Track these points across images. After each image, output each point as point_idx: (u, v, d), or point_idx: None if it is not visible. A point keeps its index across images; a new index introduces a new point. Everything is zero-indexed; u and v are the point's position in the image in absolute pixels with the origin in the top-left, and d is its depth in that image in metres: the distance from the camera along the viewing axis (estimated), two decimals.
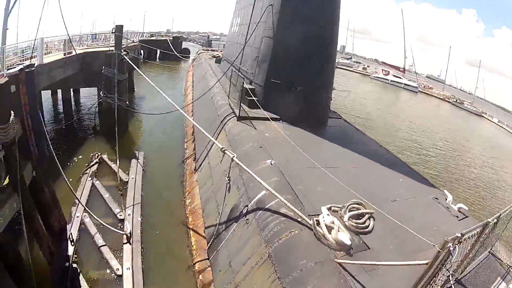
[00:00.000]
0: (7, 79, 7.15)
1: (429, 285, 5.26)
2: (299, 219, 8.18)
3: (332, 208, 8.64)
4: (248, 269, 8.42)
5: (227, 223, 10.34)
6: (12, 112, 7.05)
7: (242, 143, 12.27)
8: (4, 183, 7.35)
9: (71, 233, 11.02)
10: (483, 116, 62.64)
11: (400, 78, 75.70)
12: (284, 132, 12.86)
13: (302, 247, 7.59)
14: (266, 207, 9.01)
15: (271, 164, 10.65)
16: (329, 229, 7.64)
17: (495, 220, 6.07)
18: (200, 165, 15.23)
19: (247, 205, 9.70)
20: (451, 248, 4.79)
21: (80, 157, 16.45)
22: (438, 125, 48.00)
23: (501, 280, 7.35)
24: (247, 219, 9.44)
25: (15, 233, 9.62)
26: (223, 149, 10.73)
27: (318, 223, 7.85)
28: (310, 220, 7.99)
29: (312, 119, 15.31)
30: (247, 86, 15.34)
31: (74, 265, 10.03)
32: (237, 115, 14.38)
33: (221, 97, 18.18)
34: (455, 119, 58.75)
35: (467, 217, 9.78)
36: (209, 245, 10.70)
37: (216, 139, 12.47)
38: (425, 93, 75.62)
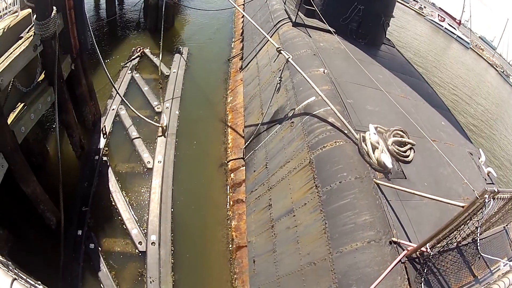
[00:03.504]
0: None
1: (457, 230, 5.19)
2: (346, 131, 7.99)
3: (378, 128, 8.40)
4: (285, 172, 8.45)
5: (269, 124, 10.24)
6: (54, 8, 6.80)
7: (296, 48, 11.75)
8: (39, 79, 7.31)
9: (104, 126, 11.01)
10: None
11: (454, 28, 71.85)
12: (339, 45, 12.35)
13: (344, 159, 7.46)
14: (314, 113, 8.77)
15: (324, 72, 10.24)
16: (373, 148, 7.50)
17: None
18: (247, 64, 14.89)
19: (294, 109, 9.49)
20: (486, 200, 4.64)
21: (122, 51, 16.05)
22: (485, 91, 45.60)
23: (508, 260, 7.20)
24: (292, 122, 9.28)
25: (45, 128, 9.74)
26: (279, 49, 10.27)
27: (364, 140, 7.69)
28: (357, 134, 7.81)
29: (367, 39, 14.75)
30: None
31: (104, 158, 10.13)
32: (293, 21, 13.72)
33: (276, 2, 17.32)
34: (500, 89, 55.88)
35: (493, 183, 9.48)
36: (246, 144, 10.74)
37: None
38: (475, 52, 72.15)
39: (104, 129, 10.89)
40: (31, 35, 6.65)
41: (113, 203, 9.16)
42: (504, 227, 7.92)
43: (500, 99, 47.07)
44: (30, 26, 6.83)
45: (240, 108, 12.76)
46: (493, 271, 6.73)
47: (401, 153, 8.07)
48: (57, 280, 7.23)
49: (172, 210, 9.29)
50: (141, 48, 15.82)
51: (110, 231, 8.65)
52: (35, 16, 6.61)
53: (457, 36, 70.32)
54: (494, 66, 67.95)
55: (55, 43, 7.07)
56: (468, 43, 70.44)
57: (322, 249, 6.56)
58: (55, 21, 6.81)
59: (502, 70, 65.84)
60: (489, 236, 7.15)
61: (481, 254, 6.54)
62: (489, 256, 6.77)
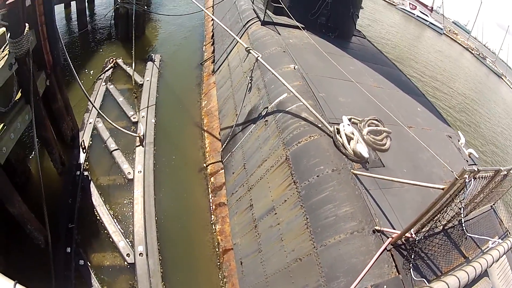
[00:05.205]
0: None
1: (440, 213, 5.23)
2: (320, 125, 8.01)
3: (352, 119, 8.49)
4: (263, 171, 8.46)
5: (244, 124, 10.24)
6: (26, 25, 6.72)
7: (265, 47, 11.77)
8: (17, 98, 7.21)
9: (83, 140, 10.90)
10: (502, 79, 60.47)
11: (426, 16, 72.52)
12: (309, 41, 12.37)
13: (320, 153, 7.48)
14: (287, 109, 8.80)
15: (294, 68, 10.26)
16: (348, 139, 7.55)
17: (505, 172, 5.90)
18: (219, 67, 14.86)
19: (267, 107, 9.50)
20: (467, 180, 4.65)
21: (95, 63, 15.85)
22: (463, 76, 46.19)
23: (498, 239, 7.30)
24: (266, 120, 9.29)
25: (26, 147, 9.64)
26: (248, 48, 10.30)
27: (338, 132, 7.73)
28: (331, 127, 7.84)
29: (337, 33, 14.80)
30: None
31: (85, 173, 10.01)
32: (262, 19, 13.71)
33: (244, 1, 17.24)
34: (477, 72, 56.55)
35: (475, 164, 9.65)
36: (223, 146, 10.71)
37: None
38: (449, 37, 72.91)
39: (83, 143, 10.76)
40: (6, 54, 6.56)
41: (98, 218, 9.06)
42: (491, 206, 8.04)
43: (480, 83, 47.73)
44: (4, 45, 6.73)
45: (215, 111, 12.75)
46: (484, 251, 6.76)
47: (377, 142, 8.12)
48: None
49: (156, 219, 9.22)
50: (114, 58, 15.68)
51: (98, 245, 8.58)
52: (9, 34, 6.51)
53: (430, 23, 70.96)
54: (470, 50, 68.77)
55: (29, 60, 6.95)
56: (442, 29, 71.14)
57: (306, 244, 6.57)
58: (28, 38, 6.70)
59: (477, 53, 66.62)
60: (476, 216, 7.27)
61: (468, 234, 6.58)
62: (477, 236, 6.86)
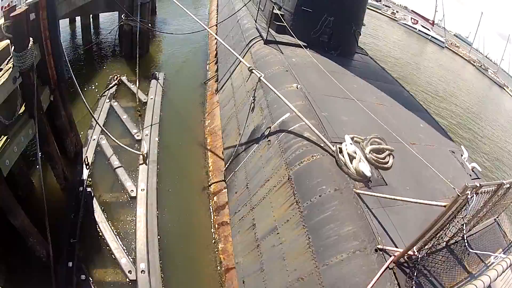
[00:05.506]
0: (27, 7, 6.85)
1: (443, 230, 5.23)
2: (322, 145, 8.06)
3: (355, 138, 8.50)
4: (265, 191, 8.48)
5: (247, 144, 10.30)
6: (31, 39, 6.84)
7: (268, 66, 11.91)
8: (20, 111, 7.28)
9: (86, 157, 10.97)
10: (504, 89, 60.50)
11: (428, 30, 72.83)
12: (311, 59, 12.41)
13: (322, 172, 7.51)
14: (289, 129, 8.86)
15: (297, 88, 10.35)
16: (351, 158, 7.56)
17: (508, 185, 5.88)
18: (223, 86, 14.99)
19: (270, 127, 9.56)
20: (469, 196, 4.67)
21: (99, 80, 16.01)
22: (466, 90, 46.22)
23: (502, 252, 7.28)
24: (269, 140, 9.35)
25: (29, 160, 9.65)
26: (251, 68, 10.40)
27: (341, 151, 7.75)
28: (333, 146, 7.87)
29: (339, 50, 14.90)
30: (276, 11, 14.66)
31: (88, 189, 10.09)
32: (264, 38, 13.88)
33: (247, 20, 17.52)
34: (479, 84, 56.59)
35: (479, 178, 9.66)
36: (226, 166, 10.78)
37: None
38: (451, 50, 73.09)
39: (86, 159, 10.82)
40: (10, 67, 6.67)
41: (100, 234, 9.12)
42: (494, 219, 7.98)
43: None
44: (8, 58, 6.85)
45: (218, 130, 12.82)
46: (488, 265, 6.73)
47: (380, 160, 8.14)
48: None
49: (159, 237, 9.24)
50: (118, 76, 15.84)
51: (100, 261, 8.60)
52: (13, 47, 6.61)
53: (432, 36, 71.20)
54: (471, 62, 68.80)
55: (33, 74, 7.06)
56: (443, 42, 71.32)
57: (309, 264, 6.54)
58: (32, 53, 6.81)
59: (480, 65, 66.61)
60: (480, 230, 7.23)
61: (470, 250, 6.54)
62: (479, 251, 6.81)
